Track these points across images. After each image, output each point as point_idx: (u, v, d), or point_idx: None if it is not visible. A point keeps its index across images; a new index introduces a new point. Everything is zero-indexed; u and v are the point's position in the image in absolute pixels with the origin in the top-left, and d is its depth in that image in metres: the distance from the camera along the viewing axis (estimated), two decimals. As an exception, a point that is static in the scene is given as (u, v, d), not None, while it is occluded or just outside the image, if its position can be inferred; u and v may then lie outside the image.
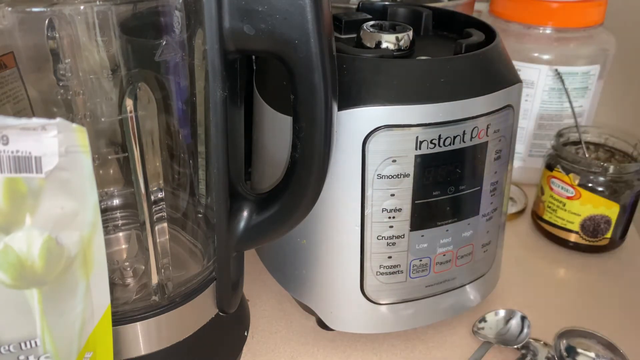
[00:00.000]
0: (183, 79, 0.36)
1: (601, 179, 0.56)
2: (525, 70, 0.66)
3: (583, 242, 0.59)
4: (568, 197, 0.58)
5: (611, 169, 0.55)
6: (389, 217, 0.40)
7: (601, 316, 0.51)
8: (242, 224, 0.37)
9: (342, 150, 0.39)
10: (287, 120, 0.40)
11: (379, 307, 0.43)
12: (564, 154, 0.58)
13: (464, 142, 0.40)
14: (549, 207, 0.60)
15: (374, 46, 0.42)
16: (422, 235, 0.42)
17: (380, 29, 0.43)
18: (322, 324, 0.47)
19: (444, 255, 0.43)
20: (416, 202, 0.40)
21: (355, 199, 0.40)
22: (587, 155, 0.60)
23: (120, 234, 0.44)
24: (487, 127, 0.40)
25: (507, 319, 0.50)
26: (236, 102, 0.35)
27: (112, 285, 0.38)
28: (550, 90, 0.66)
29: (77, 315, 0.29)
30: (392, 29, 0.43)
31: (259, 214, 0.37)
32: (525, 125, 0.68)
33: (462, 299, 0.46)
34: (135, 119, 0.34)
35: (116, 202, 0.45)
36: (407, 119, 0.38)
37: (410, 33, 0.43)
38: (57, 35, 0.31)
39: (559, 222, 0.59)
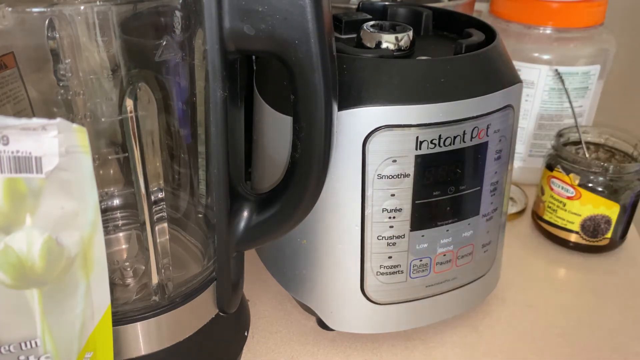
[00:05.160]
0: (183, 79, 0.36)
1: (601, 179, 0.56)
2: (525, 70, 0.66)
3: (583, 242, 0.59)
4: (568, 197, 0.58)
5: (611, 169, 0.55)
6: (389, 217, 0.40)
7: (601, 316, 0.51)
8: (242, 224, 0.37)
9: (342, 150, 0.39)
10: (287, 120, 0.40)
11: (379, 307, 0.43)
12: (564, 154, 0.58)
13: (464, 142, 0.40)
14: (549, 207, 0.60)
15: (374, 46, 0.42)
16: (423, 235, 0.42)
17: (380, 29, 0.43)
18: (322, 324, 0.47)
19: (444, 255, 0.43)
20: (416, 202, 0.40)
21: (356, 199, 0.40)
22: (587, 156, 0.60)
23: (121, 234, 0.44)
24: (487, 127, 0.40)
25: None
26: (236, 102, 0.35)
27: (112, 285, 0.38)
28: (550, 90, 0.66)
29: (77, 316, 0.29)
30: (392, 29, 0.43)
31: (259, 214, 0.37)
32: (525, 125, 0.68)
33: (462, 299, 0.46)
34: (135, 119, 0.34)
35: (116, 202, 0.45)
36: (407, 119, 0.38)
37: (410, 33, 0.43)
38: (57, 35, 0.31)
39: (559, 222, 0.59)
